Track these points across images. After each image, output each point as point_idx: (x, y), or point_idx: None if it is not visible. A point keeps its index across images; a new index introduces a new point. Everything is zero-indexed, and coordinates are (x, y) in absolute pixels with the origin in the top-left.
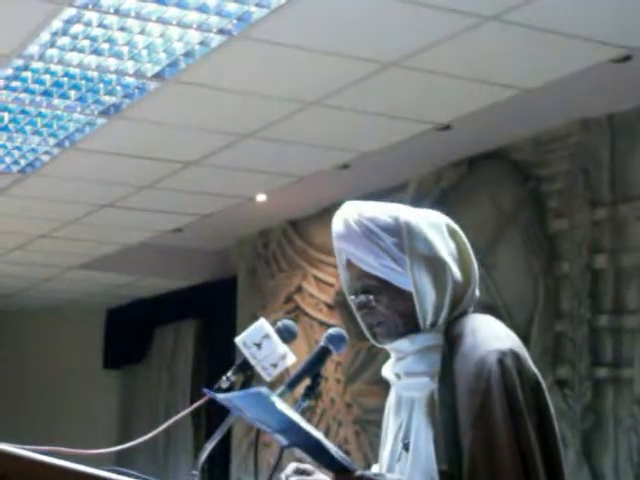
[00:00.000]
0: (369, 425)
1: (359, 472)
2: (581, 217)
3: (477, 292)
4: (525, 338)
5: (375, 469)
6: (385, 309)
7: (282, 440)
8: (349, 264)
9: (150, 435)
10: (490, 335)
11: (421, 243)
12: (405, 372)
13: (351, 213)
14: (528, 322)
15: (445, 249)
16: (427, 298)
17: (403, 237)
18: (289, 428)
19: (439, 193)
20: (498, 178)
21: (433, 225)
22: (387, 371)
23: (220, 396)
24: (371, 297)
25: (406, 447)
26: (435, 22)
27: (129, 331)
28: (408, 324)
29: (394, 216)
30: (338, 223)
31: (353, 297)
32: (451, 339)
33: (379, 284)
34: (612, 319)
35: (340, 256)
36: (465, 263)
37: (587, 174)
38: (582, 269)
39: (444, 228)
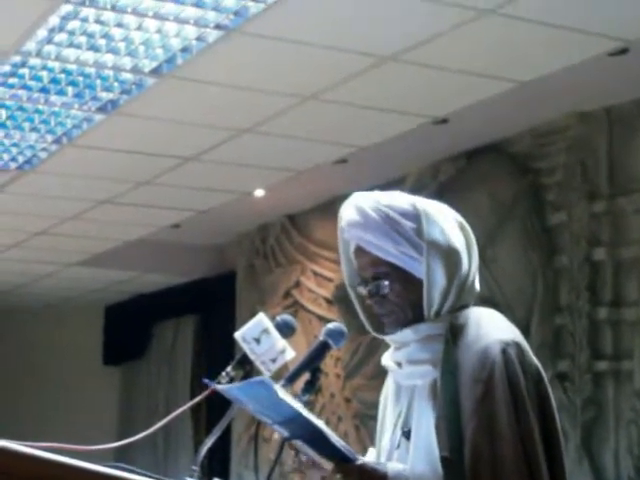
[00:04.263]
0: (369, 420)
1: (360, 461)
2: (579, 210)
3: (477, 286)
4: (525, 332)
5: (371, 453)
6: (397, 297)
7: (283, 432)
8: (360, 252)
9: (150, 430)
10: (493, 327)
11: (438, 231)
12: (408, 360)
13: (366, 201)
14: (527, 316)
15: (457, 240)
16: (437, 286)
17: (422, 223)
18: (291, 418)
19: (437, 187)
20: (496, 171)
21: (446, 216)
22: (387, 359)
23: (221, 387)
24: (386, 283)
25: (406, 435)
26: (432, 15)
27: (128, 327)
28: (416, 313)
29: (412, 203)
30: (350, 211)
31: (361, 287)
32: (454, 329)
33: (392, 271)
34: (611, 312)
35: (346, 246)
36: (471, 257)
37: (585, 167)
38: (581, 262)
39: (454, 221)
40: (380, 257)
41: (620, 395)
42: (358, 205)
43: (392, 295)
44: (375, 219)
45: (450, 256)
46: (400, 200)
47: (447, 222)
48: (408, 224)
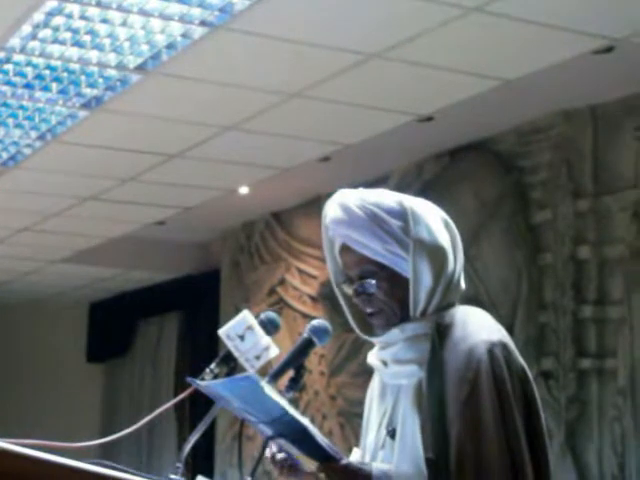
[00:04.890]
0: (354, 417)
1: (345, 461)
2: (564, 208)
3: (463, 284)
4: (509, 329)
5: (355, 454)
6: (384, 296)
7: (266, 431)
8: (346, 250)
9: (134, 427)
10: (480, 326)
11: (424, 229)
12: (394, 359)
13: (351, 198)
14: (512, 313)
15: (443, 238)
16: (423, 285)
17: (409, 221)
18: (276, 415)
19: (421, 185)
20: (480, 169)
21: (432, 214)
22: (372, 358)
23: (206, 384)
24: (373, 282)
25: (391, 434)
26: (417, 13)
27: (113, 324)
28: (404, 312)
29: (398, 201)
30: (335, 209)
31: (347, 285)
32: (441, 329)
33: (379, 270)
34: (596, 310)
35: (331, 244)
36: (456, 255)
37: (570, 165)
38: (565, 260)
39: (440, 219)
40: (367, 255)
41: (604, 393)
42: (343, 202)
43: (379, 294)
44: (361, 217)
45: (436, 254)
46: (386, 198)
47: (433, 220)
48: (395, 222)
